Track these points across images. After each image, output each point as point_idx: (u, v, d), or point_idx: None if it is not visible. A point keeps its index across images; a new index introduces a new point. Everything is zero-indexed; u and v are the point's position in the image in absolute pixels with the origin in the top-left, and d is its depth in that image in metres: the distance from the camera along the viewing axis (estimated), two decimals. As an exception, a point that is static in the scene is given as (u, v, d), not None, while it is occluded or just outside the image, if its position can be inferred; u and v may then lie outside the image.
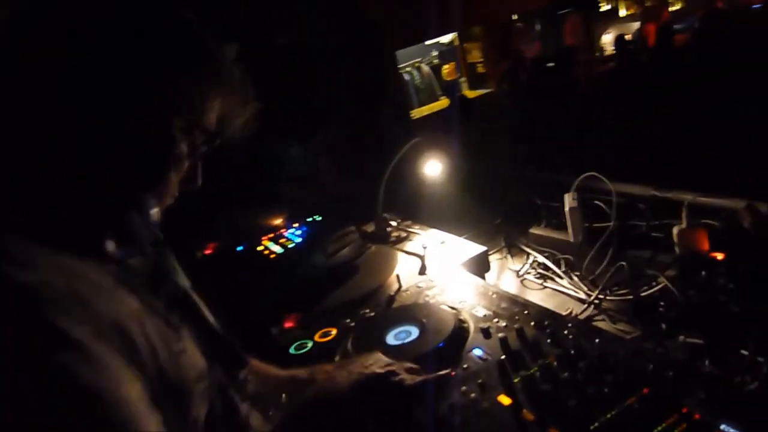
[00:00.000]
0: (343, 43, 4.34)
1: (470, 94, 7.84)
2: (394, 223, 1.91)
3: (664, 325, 1.26)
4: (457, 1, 6.70)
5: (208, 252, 2.13)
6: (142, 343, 0.73)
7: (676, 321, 1.25)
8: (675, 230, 1.43)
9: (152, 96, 0.77)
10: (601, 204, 1.63)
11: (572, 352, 1.10)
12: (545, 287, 1.59)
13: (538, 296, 1.56)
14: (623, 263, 1.43)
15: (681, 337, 1.20)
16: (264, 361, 1.22)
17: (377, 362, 1.04)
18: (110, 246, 0.80)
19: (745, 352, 1.09)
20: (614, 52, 7.20)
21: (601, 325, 1.37)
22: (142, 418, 0.66)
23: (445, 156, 1.92)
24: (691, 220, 1.42)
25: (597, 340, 1.12)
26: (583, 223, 1.64)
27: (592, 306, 1.42)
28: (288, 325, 1.50)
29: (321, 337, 1.40)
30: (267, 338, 1.46)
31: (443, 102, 7.53)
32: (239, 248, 2.06)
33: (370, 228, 1.95)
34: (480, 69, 8.04)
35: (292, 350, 1.38)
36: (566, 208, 1.64)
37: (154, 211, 0.84)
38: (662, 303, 1.31)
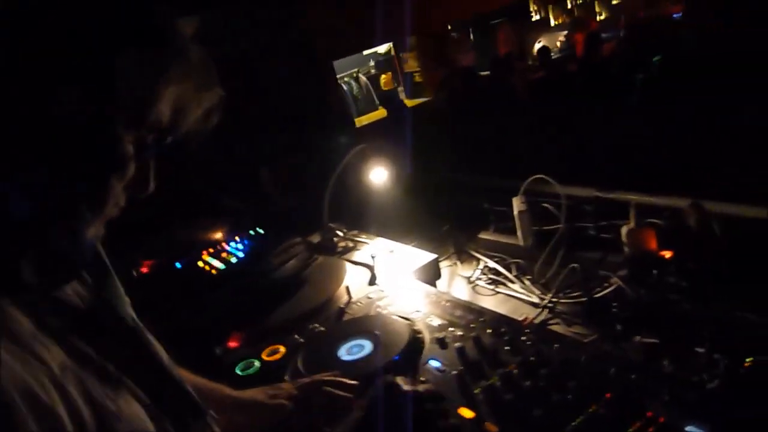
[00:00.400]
0: (284, 52, 4.26)
1: (409, 103, 7.88)
2: (340, 233, 1.85)
3: (619, 326, 1.25)
4: (392, 11, 6.74)
5: (144, 270, 2.01)
6: (64, 417, 0.59)
7: (630, 321, 1.25)
8: (624, 230, 1.43)
9: (88, 82, 0.61)
10: (549, 207, 1.63)
11: (532, 358, 1.07)
12: (497, 293, 1.56)
13: (490, 302, 1.53)
14: (575, 265, 1.42)
15: (637, 338, 1.19)
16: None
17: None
18: (27, 274, 0.63)
19: (701, 350, 1.08)
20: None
21: (556, 328, 1.35)
22: None
23: (389, 163, 1.88)
24: (638, 219, 1.42)
25: (556, 346, 1.10)
26: (532, 226, 1.63)
27: (546, 310, 1.40)
28: (232, 344, 1.41)
29: (269, 355, 1.32)
30: (210, 359, 1.37)
31: (381, 112, 7.54)
32: (178, 264, 1.95)
33: (315, 239, 1.88)
34: (417, 78, 8.10)
35: (238, 371, 1.30)
36: (515, 212, 1.63)
37: (92, 230, 0.68)
38: (615, 304, 1.30)
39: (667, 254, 1.37)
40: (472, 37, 8.84)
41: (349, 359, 1.21)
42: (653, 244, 1.39)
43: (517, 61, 7.12)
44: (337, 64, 7.15)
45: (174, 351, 1.00)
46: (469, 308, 1.30)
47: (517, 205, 1.63)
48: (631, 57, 5.45)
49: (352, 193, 1.96)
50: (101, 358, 0.68)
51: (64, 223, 0.65)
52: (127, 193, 0.70)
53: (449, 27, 8.30)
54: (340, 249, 1.80)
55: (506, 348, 1.12)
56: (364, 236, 1.83)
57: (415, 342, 1.21)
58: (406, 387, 0.93)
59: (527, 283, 1.52)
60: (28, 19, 0.58)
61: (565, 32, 8.58)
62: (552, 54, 7.67)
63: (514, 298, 1.51)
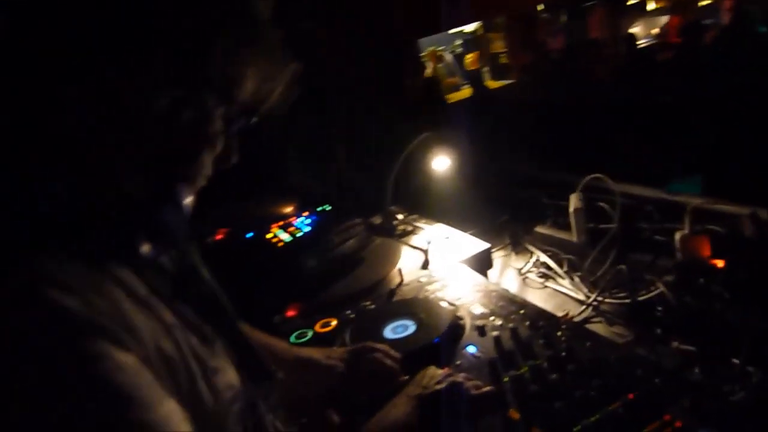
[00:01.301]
0: (365, 29, 4.28)
1: (492, 84, 7.78)
2: (400, 217, 1.93)
3: (658, 330, 1.27)
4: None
5: (218, 238, 2.16)
6: (180, 365, 0.68)
7: (670, 327, 1.26)
8: (677, 235, 1.43)
9: (183, 65, 0.66)
10: (604, 205, 1.63)
11: (563, 354, 1.12)
12: (546, 287, 1.60)
13: (538, 295, 1.57)
14: (623, 266, 1.43)
15: (674, 344, 1.21)
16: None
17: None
18: (145, 247, 0.71)
19: (736, 361, 1.09)
20: (639, 46, 7.07)
21: (597, 327, 1.38)
22: None
23: (453, 151, 1.93)
24: (694, 225, 1.41)
25: (588, 344, 1.14)
26: (587, 224, 1.65)
27: (590, 308, 1.43)
28: (290, 314, 1.53)
29: (321, 327, 1.43)
30: (269, 326, 1.49)
31: (466, 92, 7.48)
32: (248, 235, 2.09)
33: (377, 220, 1.97)
34: (503, 59, 7.96)
35: (292, 339, 1.41)
36: (570, 209, 1.65)
37: (188, 199, 0.76)
38: (659, 308, 1.32)
39: (720, 263, 1.36)
40: (563, 18, 8.58)
41: (393, 337, 1.30)
42: (706, 252, 1.38)
43: (604, 48, 6.85)
44: (422, 41, 7.17)
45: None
46: (513, 300, 1.36)
47: (573, 202, 1.65)
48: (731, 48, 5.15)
49: (416, 178, 2.03)
50: (198, 319, 0.76)
51: (168, 196, 0.72)
52: (214, 165, 0.77)
53: (541, 7, 8.10)
54: (399, 232, 1.87)
55: (540, 341, 1.17)
56: (423, 221, 1.90)
57: (455, 327, 1.28)
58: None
59: (576, 279, 1.55)
60: (133, 8, 0.62)
61: (665, 17, 8.17)
62: (644, 41, 7.32)
63: (561, 294, 1.54)
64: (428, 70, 7.62)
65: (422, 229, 1.86)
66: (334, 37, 3.65)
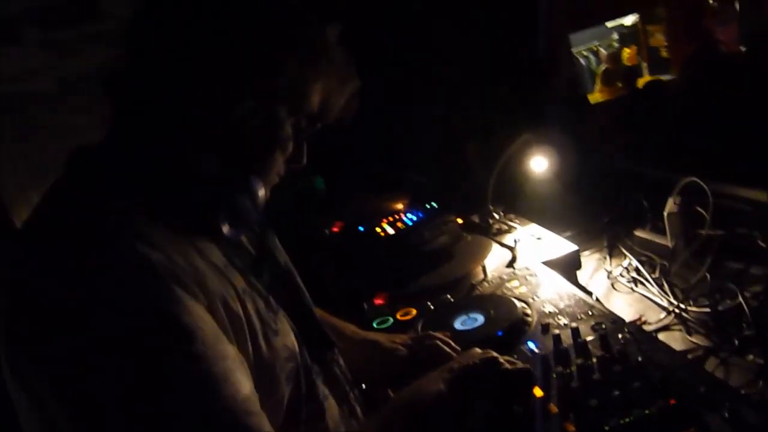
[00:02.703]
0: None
1: (648, 78, 7.32)
2: (497, 216, 1.97)
3: (736, 342, 1.22)
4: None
5: (335, 230, 2.36)
6: (243, 321, 0.82)
7: (750, 340, 1.21)
8: (774, 244, 1.34)
9: (260, 82, 0.81)
10: (700, 210, 1.56)
11: (614, 355, 1.13)
12: (634, 291, 1.57)
13: (624, 299, 1.55)
14: (707, 274, 1.38)
15: (750, 357, 1.16)
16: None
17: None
18: (225, 228, 0.85)
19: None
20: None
21: (675, 335, 1.35)
22: (241, 382, 0.74)
23: (560, 152, 1.93)
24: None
25: (644, 348, 1.13)
26: (685, 228, 1.58)
27: (672, 315, 1.39)
28: (378, 302, 1.66)
29: (402, 315, 1.54)
30: (359, 311, 1.63)
31: (597, 95, 7.13)
32: (361, 228, 2.26)
33: (476, 218, 2.03)
34: (663, 53, 7.46)
35: (375, 324, 1.54)
36: (665, 212, 1.60)
37: (262, 191, 0.90)
38: (744, 319, 1.26)
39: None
40: (738, 5, 7.81)
41: (460, 329, 1.37)
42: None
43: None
44: (573, 37, 6.92)
45: (332, 299, 1.26)
46: (584, 301, 1.37)
47: (668, 206, 1.60)
48: None
49: (518, 177, 2.06)
50: (266, 291, 0.93)
51: (244, 187, 0.87)
52: (286, 166, 0.94)
53: (710, -4, 7.47)
54: (494, 230, 1.92)
55: (598, 342, 1.19)
56: (518, 221, 1.93)
57: (520, 323, 1.33)
58: (505, 364, 1.06)
59: (665, 285, 1.51)
60: (225, 41, 0.79)
61: None
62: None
63: (647, 299, 1.51)
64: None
65: (516, 228, 1.89)
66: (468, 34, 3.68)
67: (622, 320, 1.27)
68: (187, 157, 0.84)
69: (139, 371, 0.67)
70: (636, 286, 1.58)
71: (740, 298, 1.24)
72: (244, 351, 0.81)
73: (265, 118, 0.84)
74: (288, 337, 0.94)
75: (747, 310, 1.21)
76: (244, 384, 0.75)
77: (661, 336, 1.36)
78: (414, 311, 1.54)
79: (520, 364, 1.08)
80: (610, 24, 8.00)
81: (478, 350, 1.12)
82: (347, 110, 0.98)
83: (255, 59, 0.81)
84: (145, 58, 0.81)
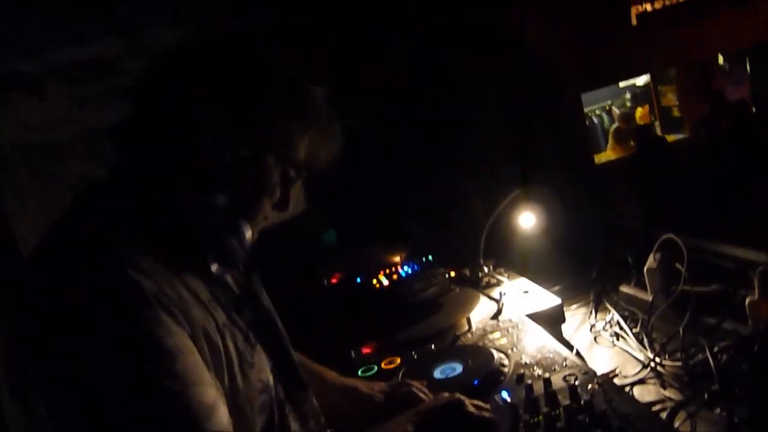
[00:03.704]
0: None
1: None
2: (486, 269, 2.02)
3: (706, 395, 1.24)
4: (653, 40, 6.42)
5: (333, 281, 2.42)
6: (222, 352, 0.88)
7: (719, 394, 1.23)
8: (747, 300, 1.38)
9: (253, 136, 0.90)
10: (679, 266, 1.60)
11: (581, 406, 1.16)
12: (615, 345, 1.60)
13: (605, 353, 1.58)
14: (679, 330, 1.41)
15: (717, 410, 1.18)
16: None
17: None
18: (213, 267, 0.92)
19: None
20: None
21: (651, 388, 1.37)
22: (218, 407, 0.80)
23: (549, 208, 1.99)
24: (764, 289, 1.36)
25: (611, 401, 1.16)
26: (664, 284, 1.62)
27: (648, 368, 1.42)
28: (366, 350, 1.70)
29: (386, 364, 1.58)
30: (345, 360, 1.67)
31: (609, 153, 7.22)
32: (358, 279, 2.32)
33: (466, 271, 2.08)
34: (675, 113, 7.56)
35: (359, 372, 1.58)
36: (645, 268, 1.64)
37: (249, 234, 0.96)
38: (716, 373, 1.28)
39: (792, 332, 1.29)
40: (748, 67, 7.94)
41: (439, 377, 1.41)
42: (778, 319, 1.32)
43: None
44: (586, 96, 7.06)
45: (319, 347, 1.32)
46: (560, 354, 1.40)
47: (649, 262, 1.64)
48: None
49: (510, 232, 2.11)
50: (246, 327, 1.00)
51: (232, 229, 0.94)
52: (273, 210, 1.02)
53: (720, 57, 7.60)
54: (483, 283, 1.97)
55: (567, 393, 1.22)
56: (507, 274, 1.98)
57: (495, 373, 1.36)
58: (470, 408, 1.11)
59: (645, 340, 1.54)
60: (220, 100, 0.88)
61: None
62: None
63: (627, 353, 1.54)
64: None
65: (503, 282, 1.93)
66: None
67: (594, 372, 1.30)
68: (183, 199, 0.91)
69: (125, 385, 0.74)
70: (617, 339, 1.61)
71: (708, 353, 1.26)
72: (220, 379, 0.87)
73: (255, 166, 0.93)
74: (263, 372, 1.00)
75: (713, 365, 1.23)
76: (220, 409, 0.80)
77: (637, 389, 1.39)
78: (398, 360, 1.58)
79: (486, 414, 1.12)
80: (622, 84, 8.16)
81: (446, 394, 1.16)
82: (329, 164, 1.06)
83: (248, 117, 0.90)
84: (149, 111, 0.90)
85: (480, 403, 1.15)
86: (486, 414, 1.12)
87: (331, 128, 1.03)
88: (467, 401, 1.13)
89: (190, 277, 0.91)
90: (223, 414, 0.80)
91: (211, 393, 0.80)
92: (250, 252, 1.00)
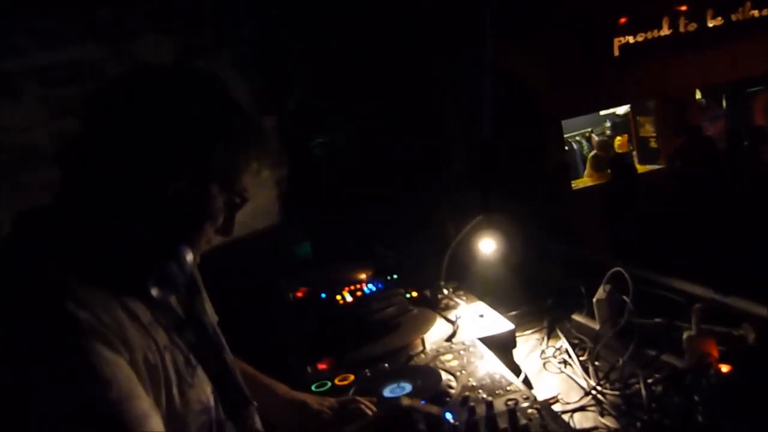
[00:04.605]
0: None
1: (640, 168, 7.55)
2: (446, 291, 2.07)
3: (638, 425, 1.29)
4: (633, 72, 6.59)
5: (299, 295, 2.45)
6: (161, 373, 0.91)
7: (651, 425, 1.28)
8: (684, 334, 1.44)
9: (194, 163, 0.94)
10: (625, 298, 1.66)
11: (518, 429, 1.20)
12: (562, 372, 1.65)
13: (551, 379, 1.63)
14: (620, 359, 1.46)
15: (648, 440, 1.23)
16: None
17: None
18: (153, 291, 0.95)
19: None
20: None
21: (590, 415, 1.42)
22: (156, 424, 0.82)
23: (503, 235, 2.05)
24: (701, 326, 1.42)
25: (547, 426, 1.21)
26: (611, 314, 1.68)
27: (589, 396, 1.47)
28: (321, 366, 1.73)
29: (340, 380, 1.61)
30: (301, 374, 1.70)
31: (586, 179, 7.36)
32: (323, 295, 2.35)
33: (427, 292, 2.13)
34: (653, 144, 7.72)
35: (313, 387, 1.61)
36: (594, 299, 1.70)
37: (190, 258, 1.00)
38: (648, 404, 1.34)
39: (725, 368, 1.35)
40: (724, 104, 8.16)
41: (388, 395, 1.45)
42: (711, 354, 1.38)
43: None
44: (568, 122, 7.20)
45: (276, 360, 1.35)
46: (505, 378, 1.45)
47: (598, 293, 1.70)
48: None
49: (472, 257, 2.17)
50: (187, 348, 1.02)
51: (173, 254, 0.98)
52: (216, 234, 1.06)
53: (698, 92, 7.81)
54: (442, 305, 2.02)
55: (506, 416, 1.26)
56: (465, 297, 2.03)
57: (442, 394, 1.41)
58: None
59: (590, 368, 1.59)
60: (165, 127, 0.93)
61: None
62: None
63: (572, 380, 1.59)
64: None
65: (461, 304, 1.98)
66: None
67: (534, 397, 1.35)
68: (124, 224, 0.93)
69: (60, 415, 0.76)
70: (564, 366, 1.66)
71: (641, 384, 1.32)
72: (158, 400, 0.89)
73: (196, 194, 0.97)
74: (203, 393, 1.02)
75: (645, 395, 1.28)
76: (158, 425, 0.83)
77: (577, 415, 1.43)
78: (352, 377, 1.61)
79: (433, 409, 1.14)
80: (603, 112, 8.33)
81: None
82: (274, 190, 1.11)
83: (187, 146, 0.94)
84: (93, 137, 0.94)
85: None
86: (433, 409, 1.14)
87: (276, 156, 1.08)
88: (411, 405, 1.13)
89: (132, 300, 0.92)
90: (157, 424, 0.83)
91: (145, 407, 0.82)
92: (191, 275, 1.04)
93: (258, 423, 1.18)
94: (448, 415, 1.33)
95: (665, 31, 6.85)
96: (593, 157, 7.62)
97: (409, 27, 3.64)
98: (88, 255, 0.91)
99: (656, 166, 7.52)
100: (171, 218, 0.96)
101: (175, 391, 0.94)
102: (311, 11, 3.35)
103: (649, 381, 1.33)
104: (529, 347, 1.84)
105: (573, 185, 6.97)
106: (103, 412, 0.77)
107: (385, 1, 3.58)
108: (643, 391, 1.30)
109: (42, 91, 2.71)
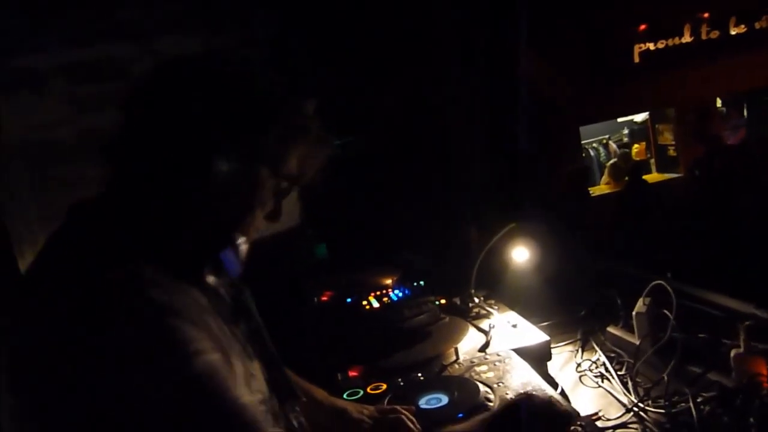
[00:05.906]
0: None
1: (657, 177, 7.48)
2: (477, 300, 2.04)
3: (685, 445, 1.25)
4: (653, 80, 6.52)
5: (324, 299, 2.43)
6: (231, 362, 0.90)
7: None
8: (732, 352, 1.39)
9: (243, 150, 0.92)
10: (667, 312, 1.62)
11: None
12: (600, 386, 1.61)
13: (588, 393, 1.59)
14: (664, 377, 1.42)
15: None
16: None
17: None
18: (210, 278, 0.96)
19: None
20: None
21: (632, 432, 1.38)
22: (256, 411, 0.86)
23: (536, 244, 2.01)
24: (750, 343, 1.37)
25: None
26: (652, 329, 1.64)
27: (631, 413, 1.43)
28: (352, 373, 1.70)
29: (372, 389, 1.59)
30: (332, 381, 1.68)
31: (604, 187, 7.30)
32: (348, 300, 2.33)
33: (458, 300, 2.09)
34: (671, 152, 7.64)
35: (345, 395, 1.58)
36: (634, 312, 1.66)
37: (243, 246, 0.99)
38: (698, 424, 1.30)
39: (774, 387, 1.31)
40: (746, 113, 8.06)
41: (424, 407, 1.42)
42: (762, 374, 1.34)
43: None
44: (584, 129, 7.14)
45: (303, 365, 1.33)
46: (544, 392, 1.41)
47: (638, 306, 1.66)
48: None
49: (503, 264, 2.13)
50: (243, 338, 1.01)
51: (228, 240, 0.97)
52: (265, 221, 1.03)
53: (718, 100, 7.71)
54: (473, 314, 1.98)
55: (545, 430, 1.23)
56: (497, 307, 1.99)
57: (480, 407, 1.37)
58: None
59: (629, 383, 1.55)
60: (213, 117, 0.90)
61: None
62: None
63: (611, 395, 1.55)
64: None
65: (493, 314, 1.95)
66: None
67: (577, 413, 1.31)
68: (178, 212, 0.92)
69: (159, 393, 0.76)
70: (602, 381, 1.62)
71: (691, 403, 1.28)
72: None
73: (248, 179, 0.95)
74: (262, 382, 1.02)
75: (695, 415, 1.25)
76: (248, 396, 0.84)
77: (618, 433, 1.39)
78: (384, 386, 1.58)
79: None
80: (621, 119, 8.24)
81: None
82: (321, 174, 1.08)
83: (241, 130, 0.92)
84: (141, 126, 0.91)
85: None
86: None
87: (322, 139, 1.05)
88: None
89: (192, 289, 0.91)
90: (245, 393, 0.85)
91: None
92: (243, 264, 1.01)
93: (305, 422, 1.16)
94: None
95: (687, 39, 6.77)
96: (612, 165, 7.55)
97: (427, 30, 3.62)
98: (149, 244, 0.89)
99: (675, 175, 7.44)
100: (224, 204, 0.94)
101: (242, 380, 0.92)
102: (328, 14, 3.34)
103: (698, 400, 1.29)
104: (562, 359, 1.80)
105: (591, 192, 6.90)
106: (203, 374, 0.78)
107: (402, 4, 3.56)
108: (693, 411, 1.26)
109: (69, 88, 2.70)
